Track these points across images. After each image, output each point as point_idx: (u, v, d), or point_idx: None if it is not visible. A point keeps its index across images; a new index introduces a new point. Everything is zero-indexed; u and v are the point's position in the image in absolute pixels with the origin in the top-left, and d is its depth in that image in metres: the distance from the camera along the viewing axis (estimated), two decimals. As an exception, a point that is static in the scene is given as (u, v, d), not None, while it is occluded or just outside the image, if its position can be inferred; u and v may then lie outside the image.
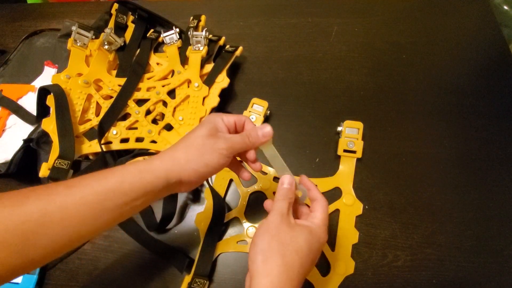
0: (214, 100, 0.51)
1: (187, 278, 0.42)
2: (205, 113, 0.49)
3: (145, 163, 0.29)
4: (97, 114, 0.51)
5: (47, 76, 0.58)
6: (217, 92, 0.51)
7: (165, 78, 0.55)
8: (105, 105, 0.51)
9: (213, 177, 0.50)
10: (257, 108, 0.52)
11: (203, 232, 0.44)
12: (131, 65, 0.55)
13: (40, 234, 0.24)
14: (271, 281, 0.26)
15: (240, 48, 0.55)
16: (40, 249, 0.25)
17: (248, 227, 0.45)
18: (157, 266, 0.44)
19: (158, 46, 0.60)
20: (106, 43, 0.55)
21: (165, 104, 0.52)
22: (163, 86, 0.52)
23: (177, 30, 0.56)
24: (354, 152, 0.48)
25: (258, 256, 0.28)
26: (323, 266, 0.42)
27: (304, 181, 0.36)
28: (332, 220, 0.45)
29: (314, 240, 0.30)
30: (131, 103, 0.51)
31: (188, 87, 0.52)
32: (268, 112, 0.53)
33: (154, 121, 0.52)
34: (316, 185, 0.36)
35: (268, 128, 0.32)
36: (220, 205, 0.45)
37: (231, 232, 0.46)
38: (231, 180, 0.49)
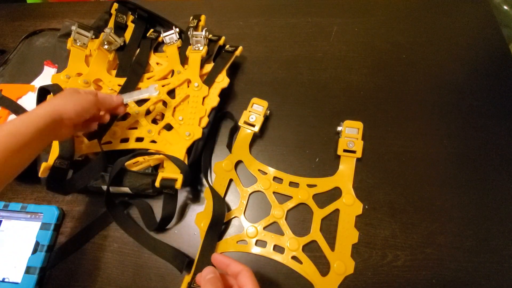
0: (214, 100, 0.51)
1: (187, 278, 0.42)
2: (205, 113, 0.49)
3: (31, 112, 0.35)
4: (97, 114, 0.51)
5: (46, 76, 0.58)
6: (217, 92, 0.51)
7: (165, 78, 0.54)
8: (105, 105, 0.51)
9: (213, 177, 0.50)
10: (257, 108, 0.52)
11: (203, 232, 0.44)
12: (131, 65, 0.55)
13: None
14: None
15: (240, 48, 0.55)
16: None
17: (248, 227, 0.45)
18: (157, 266, 0.44)
19: (158, 46, 0.60)
20: (106, 43, 0.55)
21: (165, 104, 0.52)
22: (163, 86, 0.52)
23: (177, 30, 0.56)
24: (354, 152, 0.48)
25: None
26: (323, 266, 0.42)
27: (219, 259, 0.34)
28: (332, 220, 0.45)
29: None
30: (130, 103, 0.51)
31: (188, 87, 0.52)
32: (268, 112, 0.53)
33: (154, 121, 0.52)
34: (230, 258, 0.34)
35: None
36: (220, 205, 0.45)
37: (231, 232, 0.46)
38: (231, 180, 0.49)
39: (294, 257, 0.43)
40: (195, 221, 0.46)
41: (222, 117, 0.55)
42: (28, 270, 0.44)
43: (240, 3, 0.70)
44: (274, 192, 0.48)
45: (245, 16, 0.67)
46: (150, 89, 0.47)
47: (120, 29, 0.59)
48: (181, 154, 0.46)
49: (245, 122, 0.52)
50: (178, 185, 0.43)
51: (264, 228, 0.45)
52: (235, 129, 0.53)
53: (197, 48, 0.53)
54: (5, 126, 0.33)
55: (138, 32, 0.59)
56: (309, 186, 0.48)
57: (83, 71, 0.53)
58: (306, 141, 0.52)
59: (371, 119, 0.52)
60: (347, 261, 0.42)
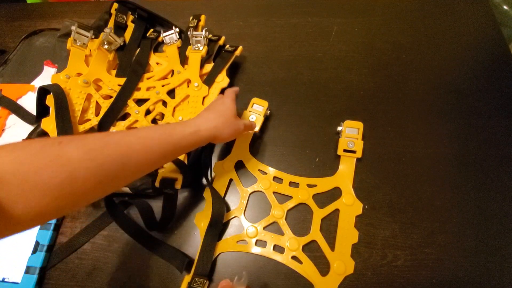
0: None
1: (187, 278, 0.42)
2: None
3: (198, 126, 0.39)
4: (97, 114, 0.51)
5: (46, 75, 0.58)
6: (217, 92, 0.51)
7: (164, 78, 0.54)
8: (105, 105, 0.51)
9: (213, 177, 0.50)
10: (257, 108, 0.52)
11: (203, 232, 0.44)
12: (131, 65, 0.55)
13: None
14: None
15: (240, 48, 0.55)
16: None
17: (248, 227, 0.45)
18: (157, 266, 0.44)
19: (158, 46, 0.60)
20: (105, 43, 0.55)
21: (164, 104, 0.52)
22: (162, 86, 0.52)
23: (177, 30, 0.56)
24: (354, 152, 0.48)
25: None
26: (323, 266, 0.42)
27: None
28: (332, 220, 0.45)
29: None
30: (130, 103, 0.51)
31: (188, 87, 0.52)
32: (268, 112, 0.53)
33: (154, 121, 0.52)
34: None
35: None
36: (219, 205, 0.45)
37: (231, 231, 0.46)
38: (231, 180, 0.49)
39: (294, 257, 0.43)
40: (195, 221, 0.46)
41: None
42: (28, 270, 0.44)
43: (240, 3, 0.70)
44: (274, 192, 0.48)
45: (245, 16, 0.67)
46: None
47: (120, 29, 0.59)
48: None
49: (245, 122, 0.52)
50: (178, 185, 0.43)
51: (264, 228, 0.45)
52: None
53: (197, 48, 0.53)
54: (170, 138, 0.35)
55: (138, 32, 0.59)
56: (309, 186, 0.48)
57: (83, 71, 0.53)
58: (306, 141, 0.52)
59: (371, 119, 0.52)
60: (347, 261, 0.42)
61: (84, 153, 0.27)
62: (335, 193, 0.47)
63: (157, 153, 0.34)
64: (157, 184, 0.44)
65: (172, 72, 0.55)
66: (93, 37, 0.55)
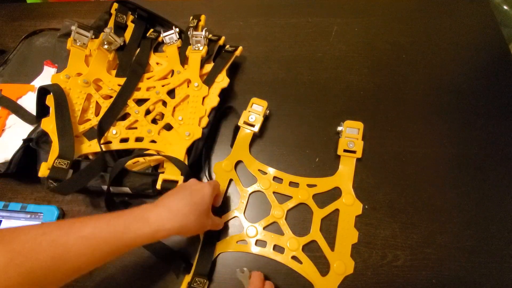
0: (213, 100, 0.51)
1: (187, 278, 0.42)
2: (204, 113, 0.49)
3: (161, 226, 0.33)
4: (97, 114, 0.51)
5: (46, 75, 0.58)
6: (216, 92, 0.51)
7: (164, 77, 0.54)
8: (105, 105, 0.51)
9: (213, 176, 0.50)
10: (257, 108, 0.52)
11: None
12: (131, 64, 0.55)
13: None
14: None
15: (240, 48, 0.55)
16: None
17: (248, 227, 0.45)
18: (157, 266, 0.44)
19: (158, 46, 0.60)
20: (105, 43, 0.55)
21: (164, 104, 0.51)
22: (162, 85, 0.52)
23: (177, 30, 0.56)
24: (354, 152, 0.48)
25: None
26: (323, 265, 0.42)
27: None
28: (332, 220, 0.45)
29: None
30: (130, 103, 0.51)
31: (188, 87, 0.52)
32: (268, 111, 0.53)
33: (154, 121, 0.52)
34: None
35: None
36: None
37: (231, 231, 0.46)
38: (231, 180, 0.49)
39: (294, 257, 0.43)
40: (195, 221, 0.46)
41: (224, 114, 0.55)
42: (28, 270, 0.44)
43: (240, 3, 0.70)
44: (274, 192, 0.48)
45: (245, 16, 0.67)
46: None
47: (120, 29, 0.59)
48: (181, 154, 0.46)
49: (245, 122, 0.52)
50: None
51: (264, 228, 0.45)
52: (238, 127, 0.52)
53: (197, 48, 0.53)
54: (121, 239, 0.31)
55: (138, 32, 0.59)
56: (309, 186, 0.48)
57: (83, 71, 0.53)
58: (306, 141, 0.52)
59: (371, 119, 0.52)
60: (347, 261, 0.42)
61: (9, 260, 0.26)
62: (335, 193, 0.47)
63: (104, 253, 0.30)
64: (158, 186, 0.44)
65: (172, 72, 0.55)
66: (93, 37, 0.55)
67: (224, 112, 0.55)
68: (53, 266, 0.28)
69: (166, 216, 0.34)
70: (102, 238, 0.30)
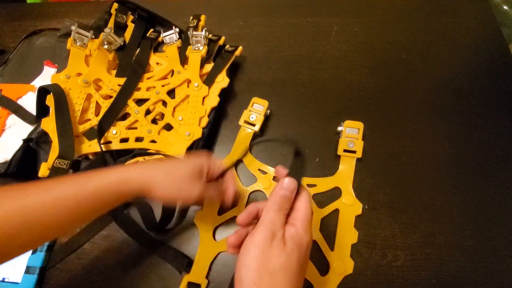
0: (214, 100, 0.51)
1: (187, 278, 0.42)
2: (204, 113, 0.49)
3: (125, 173, 0.31)
4: (97, 114, 0.51)
5: (46, 75, 0.58)
6: (217, 92, 0.51)
7: (164, 78, 0.54)
8: (105, 105, 0.51)
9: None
10: (257, 108, 0.52)
11: (203, 232, 0.44)
12: (131, 64, 0.55)
13: (22, 229, 0.27)
14: None
15: (240, 48, 0.55)
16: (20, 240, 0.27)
17: (248, 227, 0.45)
18: (157, 266, 0.44)
19: (158, 46, 0.60)
20: (105, 43, 0.55)
21: (164, 104, 0.52)
22: (162, 86, 0.52)
23: (177, 30, 0.56)
24: (354, 152, 0.48)
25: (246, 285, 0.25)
26: (322, 265, 0.42)
27: (280, 171, 0.32)
28: (332, 220, 0.45)
29: (303, 255, 0.26)
30: (130, 103, 0.51)
31: (188, 87, 0.52)
32: (268, 111, 0.53)
33: (154, 121, 0.52)
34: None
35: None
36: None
37: (230, 231, 0.46)
38: (231, 180, 0.49)
39: (294, 257, 0.43)
40: (195, 221, 0.46)
41: (224, 114, 0.55)
42: (28, 270, 0.44)
43: (240, 3, 0.70)
44: (274, 192, 0.48)
45: (245, 16, 0.67)
46: None
47: (120, 29, 0.59)
48: (181, 154, 0.46)
49: (245, 122, 0.52)
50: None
51: (264, 228, 0.45)
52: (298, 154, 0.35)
53: (197, 48, 0.53)
54: (82, 189, 0.29)
55: (138, 32, 0.59)
56: (309, 186, 0.48)
57: (83, 71, 0.53)
58: (306, 141, 0.52)
59: (371, 119, 0.52)
60: (346, 261, 0.42)
61: None
62: (335, 193, 0.47)
63: (65, 211, 0.28)
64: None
65: (172, 72, 0.55)
66: (93, 37, 0.55)
67: (224, 112, 0.55)
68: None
69: (135, 168, 0.32)
70: (64, 192, 0.29)
